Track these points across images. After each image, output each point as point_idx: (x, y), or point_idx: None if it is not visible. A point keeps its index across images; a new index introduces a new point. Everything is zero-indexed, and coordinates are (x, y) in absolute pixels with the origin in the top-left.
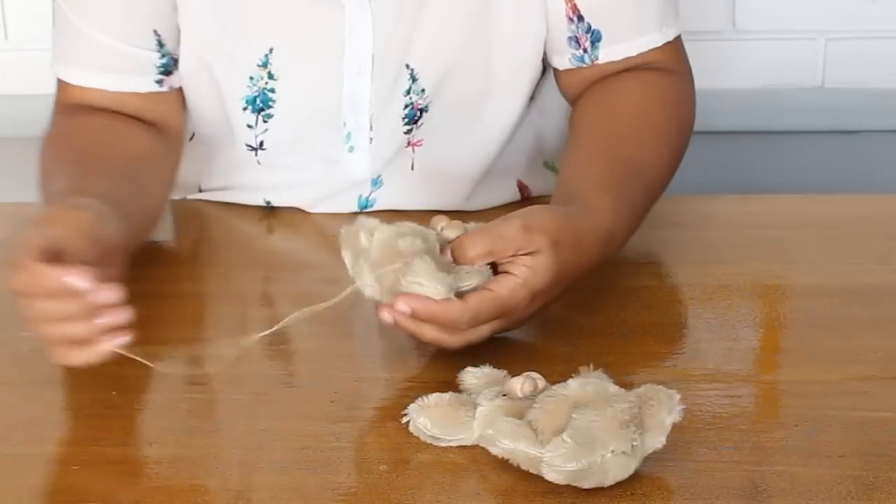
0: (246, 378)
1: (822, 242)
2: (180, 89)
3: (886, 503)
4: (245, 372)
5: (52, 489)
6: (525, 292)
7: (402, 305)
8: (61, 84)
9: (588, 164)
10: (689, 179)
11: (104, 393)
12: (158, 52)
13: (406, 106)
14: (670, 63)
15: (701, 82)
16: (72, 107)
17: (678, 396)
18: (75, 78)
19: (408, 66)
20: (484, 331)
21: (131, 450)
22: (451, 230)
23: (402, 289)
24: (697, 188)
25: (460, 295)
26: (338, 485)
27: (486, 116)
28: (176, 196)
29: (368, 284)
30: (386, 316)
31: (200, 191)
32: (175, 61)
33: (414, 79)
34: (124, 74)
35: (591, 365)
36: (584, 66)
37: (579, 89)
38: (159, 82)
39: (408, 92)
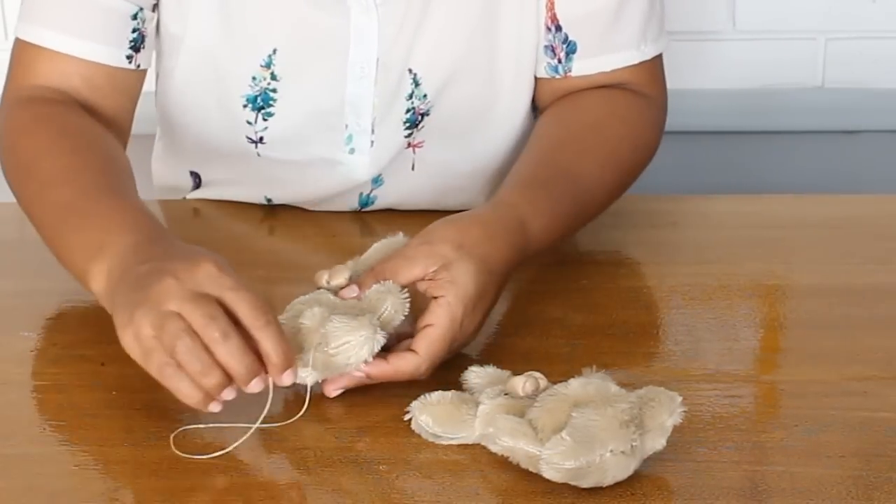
0: None
1: (821, 242)
2: (139, 88)
3: (886, 503)
4: None
5: (52, 489)
6: (461, 306)
7: (357, 373)
8: (22, 58)
9: (520, 167)
10: (689, 179)
11: (104, 393)
12: (133, 18)
13: (408, 110)
14: (642, 85)
15: (701, 82)
16: (39, 91)
17: (679, 399)
18: (47, 39)
19: (410, 71)
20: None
21: (131, 450)
22: (337, 277)
23: (333, 358)
24: (697, 188)
25: (403, 336)
26: (338, 485)
27: (489, 123)
28: (175, 194)
29: (308, 373)
30: (331, 391)
31: (201, 183)
32: (143, 38)
33: (417, 83)
34: (98, 43)
35: (595, 366)
36: (557, 77)
37: (547, 102)
38: (129, 58)
39: (410, 96)
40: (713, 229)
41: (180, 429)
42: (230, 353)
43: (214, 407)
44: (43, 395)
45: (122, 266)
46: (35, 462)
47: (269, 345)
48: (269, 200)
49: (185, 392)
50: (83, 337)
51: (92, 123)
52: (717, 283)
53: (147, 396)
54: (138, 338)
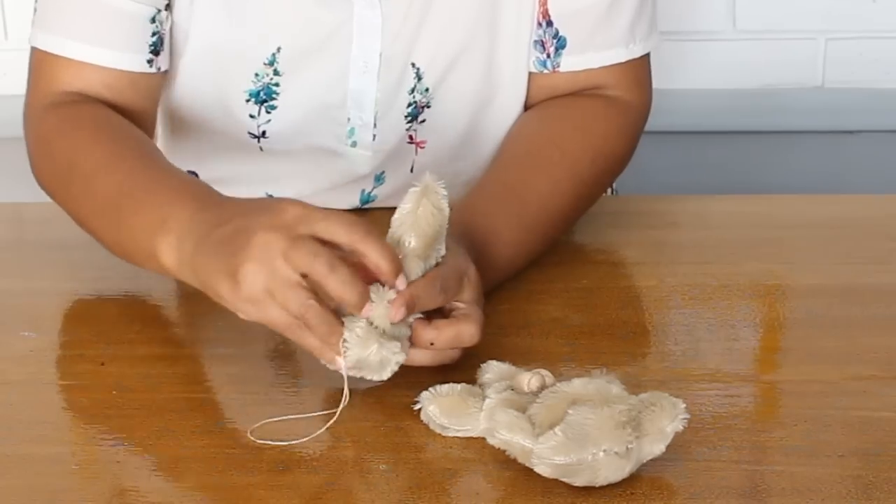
0: (246, 378)
1: (821, 242)
2: (161, 90)
3: (886, 503)
4: (245, 372)
5: (52, 489)
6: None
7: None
8: (42, 68)
9: (473, 186)
10: (689, 179)
11: (104, 393)
12: (151, 21)
13: (409, 104)
14: (624, 88)
15: (701, 82)
16: (63, 96)
17: (683, 406)
18: (68, 49)
19: (413, 65)
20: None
21: (131, 450)
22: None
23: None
24: (697, 188)
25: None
26: (338, 485)
27: (488, 119)
28: None
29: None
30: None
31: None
32: (162, 41)
33: (419, 77)
34: (119, 50)
35: (605, 368)
36: (545, 72)
37: (533, 99)
38: (150, 62)
39: (412, 90)
40: (713, 229)
41: (257, 424)
42: (341, 283)
43: (340, 363)
44: (43, 395)
45: (195, 234)
46: (35, 462)
47: (375, 255)
48: (269, 197)
49: (314, 345)
50: (83, 337)
51: (121, 118)
52: (717, 283)
53: (147, 396)
54: (252, 299)
